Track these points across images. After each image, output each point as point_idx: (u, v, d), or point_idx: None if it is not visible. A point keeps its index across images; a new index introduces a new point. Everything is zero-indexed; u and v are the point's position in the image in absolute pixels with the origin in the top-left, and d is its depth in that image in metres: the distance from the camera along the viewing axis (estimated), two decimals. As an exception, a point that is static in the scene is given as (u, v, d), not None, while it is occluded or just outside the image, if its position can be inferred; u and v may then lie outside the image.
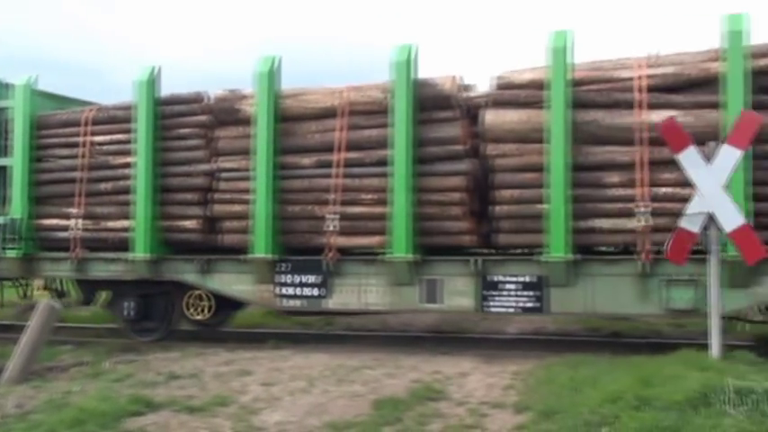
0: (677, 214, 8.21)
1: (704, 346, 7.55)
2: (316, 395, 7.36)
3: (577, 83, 9.09)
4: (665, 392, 6.03)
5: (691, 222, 7.52)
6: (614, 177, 8.90)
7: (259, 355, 9.58)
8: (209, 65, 49.09)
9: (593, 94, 9.06)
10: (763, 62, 8.54)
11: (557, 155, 8.88)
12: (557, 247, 8.88)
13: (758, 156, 8.31)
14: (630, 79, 8.99)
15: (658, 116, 8.62)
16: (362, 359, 9.11)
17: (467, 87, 10.12)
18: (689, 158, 7.57)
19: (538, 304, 9.19)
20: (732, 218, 7.40)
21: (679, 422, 5.52)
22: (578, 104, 9.00)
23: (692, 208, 7.53)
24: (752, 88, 8.40)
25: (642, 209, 8.64)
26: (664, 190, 8.71)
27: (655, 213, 8.64)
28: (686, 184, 8.23)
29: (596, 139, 9.00)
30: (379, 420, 6.36)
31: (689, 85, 8.85)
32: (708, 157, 7.48)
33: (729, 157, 7.41)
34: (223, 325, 11.97)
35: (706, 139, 8.19)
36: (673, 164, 8.23)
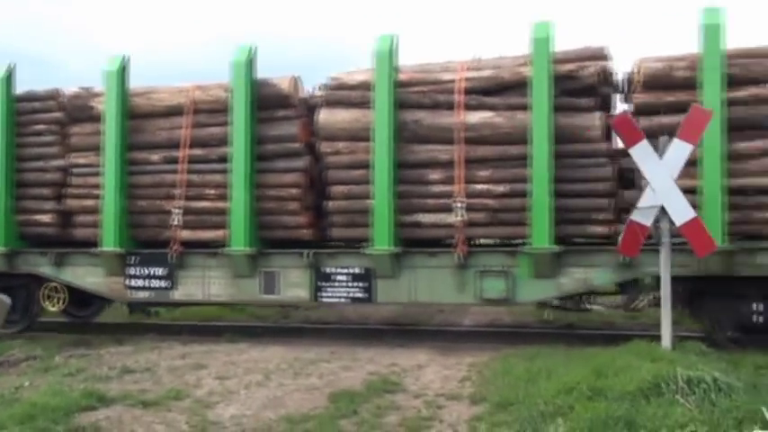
0: (491, 209, 9.15)
1: (656, 338, 7.69)
2: (272, 388, 7.33)
3: (403, 84, 9.51)
4: (618, 383, 6.13)
5: (643, 216, 7.63)
6: (436, 174, 9.39)
7: (214, 348, 9.51)
8: (174, 57, 48.18)
9: (418, 96, 9.53)
10: (565, 67, 9.06)
11: (381, 153, 9.35)
12: (381, 241, 9.32)
13: (560, 155, 8.85)
14: (452, 81, 9.42)
15: (475, 117, 9.20)
16: (319, 352, 9.10)
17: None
18: (641, 152, 7.68)
19: (366, 294, 9.70)
20: (683, 211, 7.53)
21: (631, 411, 5.61)
22: (403, 105, 9.45)
23: (644, 201, 7.65)
24: (556, 91, 8.90)
25: (459, 204, 9.11)
26: (479, 186, 9.22)
27: (471, 209, 9.16)
28: (499, 181, 9.13)
29: (420, 138, 9.51)
30: (336, 413, 6.35)
31: (503, 88, 9.35)
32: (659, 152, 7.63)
33: (680, 151, 7.54)
34: (95, 317, 12.38)
35: (516, 138, 8.92)
36: (487, 162, 9.15)
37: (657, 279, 8.61)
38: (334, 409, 6.49)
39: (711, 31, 8.54)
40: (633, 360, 6.77)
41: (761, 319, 8.76)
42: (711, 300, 9.08)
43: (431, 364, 8.46)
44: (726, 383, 6.00)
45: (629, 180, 8.85)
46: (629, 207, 8.51)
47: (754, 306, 8.80)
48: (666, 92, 8.83)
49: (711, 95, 8.50)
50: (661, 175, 7.58)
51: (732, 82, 8.63)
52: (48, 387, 7.31)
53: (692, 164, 8.14)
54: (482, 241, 9.95)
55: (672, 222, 7.60)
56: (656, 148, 7.67)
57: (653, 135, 8.30)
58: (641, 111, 8.89)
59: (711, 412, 5.57)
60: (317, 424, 6.09)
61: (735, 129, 8.61)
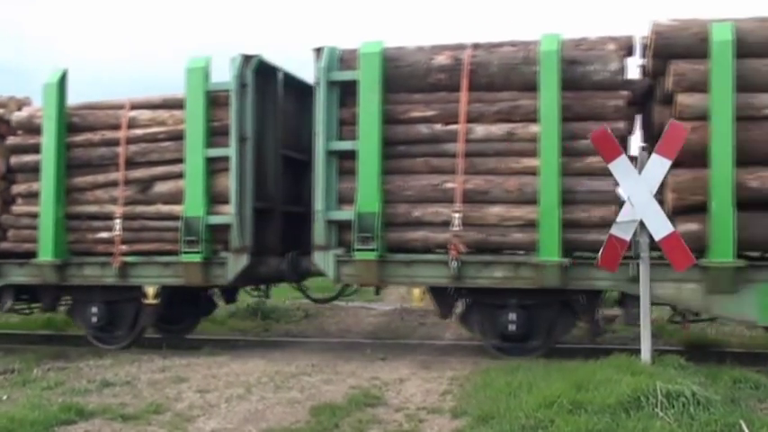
0: None
1: (636, 352, 7.73)
2: (253, 402, 7.31)
3: None
4: (598, 396, 6.17)
5: (622, 230, 7.70)
6: None
7: (195, 361, 9.46)
8: (137, 68, 47.78)
9: None
10: None
11: None
12: None
13: None
14: None
15: None
16: (300, 365, 9.08)
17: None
18: (620, 168, 7.75)
19: None
20: (661, 226, 7.59)
21: (611, 425, 5.66)
22: None
23: (623, 216, 7.72)
24: None
25: None
26: None
27: None
28: None
29: None
30: (317, 427, 6.35)
31: None
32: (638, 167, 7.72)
33: (658, 166, 7.62)
34: None
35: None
36: None
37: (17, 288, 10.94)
38: (315, 422, 6.48)
39: (49, 90, 10.49)
40: (613, 374, 6.81)
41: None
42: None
43: (412, 377, 8.46)
44: (704, 397, 6.07)
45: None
46: (9, 228, 10.93)
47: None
48: (32, 135, 10.82)
49: (49, 139, 10.47)
50: (639, 191, 7.64)
51: (74, 129, 10.63)
52: (26, 400, 7.24)
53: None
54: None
55: (650, 236, 7.67)
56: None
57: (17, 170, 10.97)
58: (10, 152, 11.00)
59: (690, 426, 5.63)
60: (298, 438, 6.10)
61: (75, 166, 10.63)
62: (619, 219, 7.72)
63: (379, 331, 12.40)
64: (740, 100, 8.31)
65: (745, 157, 8.32)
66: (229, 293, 11.74)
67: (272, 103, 10.53)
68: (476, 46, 9.32)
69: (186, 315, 11.78)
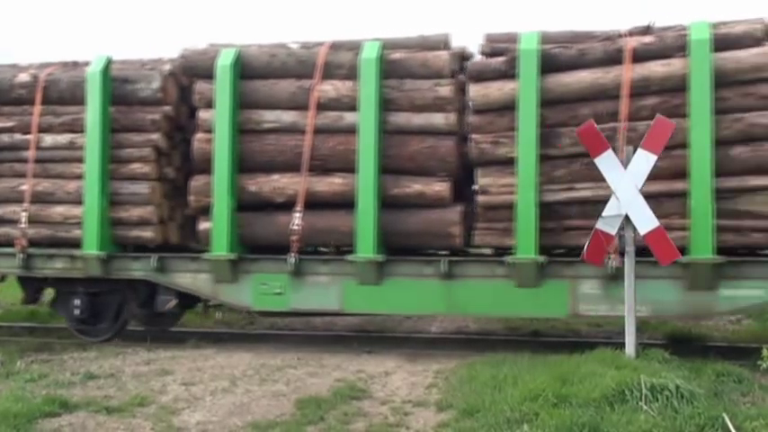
0: None
1: (620, 345, 7.77)
2: (238, 395, 7.30)
3: None
4: (583, 390, 6.21)
5: (607, 224, 7.73)
6: None
7: (180, 354, 9.43)
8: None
9: None
10: None
11: None
12: None
13: None
14: None
15: None
16: (286, 358, 9.07)
17: None
18: (606, 162, 7.78)
19: None
20: (647, 220, 7.63)
21: (596, 418, 5.69)
22: None
23: (609, 210, 7.75)
24: None
25: None
26: None
27: None
28: None
29: None
30: (302, 420, 6.35)
31: None
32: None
33: (644, 161, 7.65)
34: None
35: None
36: None
37: None
38: (300, 415, 6.49)
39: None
40: (598, 367, 6.84)
41: None
42: None
43: (398, 370, 8.48)
44: (688, 390, 6.12)
45: None
46: None
47: None
48: None
49: None
50: (625, 185, 7.68)
51: None
52: (9, 393, 7.19)
53: None
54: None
55: (636, 231, 7.71)
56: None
57: None
58: None
59: (674, 419, 5.67)
60: (283, 430, 6.10)
61: None
62: (605, 213, 7.76)
63: (366, 324, 12.41)
64: (245, 115, 9.77)
65: (247, 165, 9.76)
66: None
67: None
68: (75, 64, 10.77)
69: None
